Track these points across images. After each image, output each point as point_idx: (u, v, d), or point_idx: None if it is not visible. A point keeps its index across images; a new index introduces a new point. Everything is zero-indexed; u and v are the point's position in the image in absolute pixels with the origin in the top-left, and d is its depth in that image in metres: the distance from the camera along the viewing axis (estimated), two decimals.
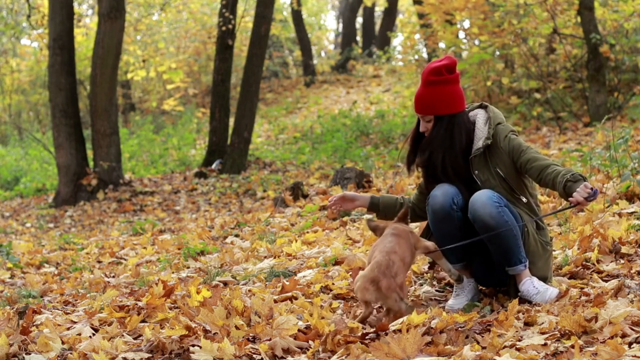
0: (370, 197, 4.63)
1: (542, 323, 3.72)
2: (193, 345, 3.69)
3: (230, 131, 13.99)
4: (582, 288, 4.30)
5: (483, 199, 4.17)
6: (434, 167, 4.36)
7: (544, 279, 4.30)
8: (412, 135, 4.47)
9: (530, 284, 4.20)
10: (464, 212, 4.27)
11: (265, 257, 6.22)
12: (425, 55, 19.31)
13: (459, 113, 4.34)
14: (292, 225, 7.77)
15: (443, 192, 4.27)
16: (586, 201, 4.00)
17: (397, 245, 4.12)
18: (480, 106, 4.46)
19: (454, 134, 4.32)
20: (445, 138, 4.31)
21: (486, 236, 4.18)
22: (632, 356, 3.17)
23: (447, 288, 4.76)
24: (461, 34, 17.25)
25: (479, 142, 4.33)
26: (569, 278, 4.55)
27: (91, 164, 13.03)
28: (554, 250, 5.04)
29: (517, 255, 4.21)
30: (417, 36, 19.24)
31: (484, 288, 4.57)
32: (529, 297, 4.18)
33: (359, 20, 29.80)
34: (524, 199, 4.32)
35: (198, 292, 4.50)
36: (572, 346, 3.38)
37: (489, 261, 4.31)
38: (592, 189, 3.98)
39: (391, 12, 25.69)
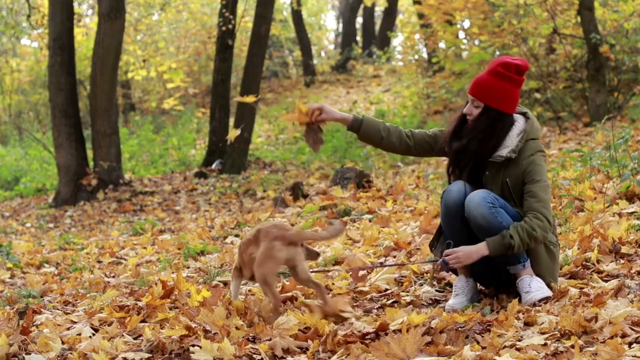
0: (353, 115, 4.46)
1: (542, 323, 3.72)
2: (193, 345, 3.69)
3: (230, 131, 13.98)
4: (582, 288, 4.30)
5: (477, 199, 4.16)
6: (463, 156, 4.32)
7: (549, 280, 4.28)
8: (458, 116, 4.40)
9: (526, 282, 4.19)
10: None
11: None
12: (425, 55, 19.31)
13: (506, 114, 4.29)
14: (292, 225, 7.77)
15: (458, 189, 4.28)
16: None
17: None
18: (523, 113, 4.37)
19: (496, 129, 4.26)
20: (487, 130, 4.26)
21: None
22: (632, 356, 3.17)
23: (447, 288, 4.75)
24: (461, 34, 17.25)
25: (504, 150, 4.27)
26: (569, 278, 4.55)
27: (91, 164, 13.03)
28: None
29: (516, 255, 4.20)
30: (417, 36, 19.24)
31: (484, 288, 4.57)
32: (520, 294, 4.19)
33: (359, 20, 29.78)
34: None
35: (198, 293, 4.50)
36: (572, 346, 3.38)
37: (488, 261, 4.30)
38: (448, 256, 4.20)
39: (391, 12, 25.68)
